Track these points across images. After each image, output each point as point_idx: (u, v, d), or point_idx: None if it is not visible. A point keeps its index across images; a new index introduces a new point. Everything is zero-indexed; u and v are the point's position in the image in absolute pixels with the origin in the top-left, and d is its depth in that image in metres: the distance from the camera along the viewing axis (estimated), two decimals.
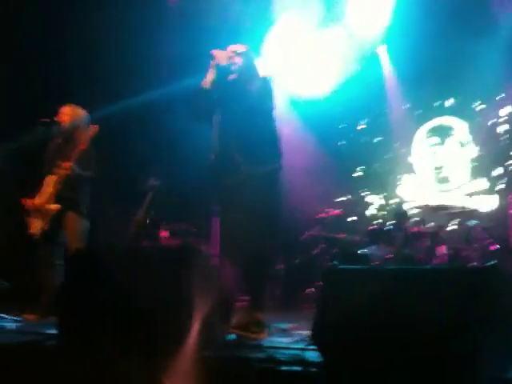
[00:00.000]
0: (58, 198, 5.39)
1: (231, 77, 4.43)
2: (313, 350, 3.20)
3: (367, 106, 9.58)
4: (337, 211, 8.15)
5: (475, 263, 6.81)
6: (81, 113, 5.66)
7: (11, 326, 4.70)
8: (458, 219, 8.10)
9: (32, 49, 7.61)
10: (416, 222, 7.83)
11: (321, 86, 8.99)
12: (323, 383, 2.99)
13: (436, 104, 9.46)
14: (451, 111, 9.39)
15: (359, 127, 9.84)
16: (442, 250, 7.12)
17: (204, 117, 4.55)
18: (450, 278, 2.99)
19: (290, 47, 8.81)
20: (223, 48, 4.54)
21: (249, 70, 4.46)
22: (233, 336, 3.95)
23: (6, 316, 4.86)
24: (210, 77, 4.44)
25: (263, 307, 4.26)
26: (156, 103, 7.89)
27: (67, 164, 5.27)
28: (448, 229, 8.06)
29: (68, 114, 5.60)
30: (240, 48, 4.53)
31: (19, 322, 4.89)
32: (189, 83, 5.15)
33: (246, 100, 4.28)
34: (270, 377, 3.09)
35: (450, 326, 2.75)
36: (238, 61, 4.46)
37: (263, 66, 4.69)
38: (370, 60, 9.29)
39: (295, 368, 3.08)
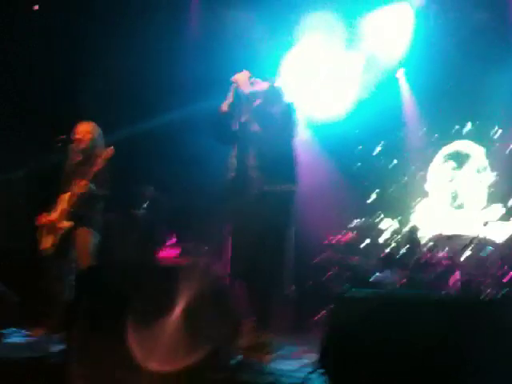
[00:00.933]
0: (71, 215, 5.41)
1: (257, 102, 4.48)
2: (319, 374, 3.16)
3: (384, 129, 9.54)
4: (350, 235, 8.08)
5: (488, 291, 6.71)
6: (98, 130, 5.70)
7: (20, 340, 4.70)
8: (472, 246, 8.01)
9: (52, 69, 7.71)
10: (429, 247, 7.76)
11: (338, 108, 9.00)
12: None
13: (454, 129, 9.41)
14: (469, 136, 9.33)
15: (376, 150, 9.80)
16: (456, 276, 7.04)
17: (226, 139, 4.59)
18: (459, 307, 2.96)
19: (308, 70, 8.85)
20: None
21: (272, 97, 4.52)
22: (239, 357, 3.92)
23: (15, 331, 4.86)
24: (229, 100, 4.49)
25: (270, 327, 4.24)
26: (173, 123, 7.94)
27: (83, 182, 5.30)
28: (462, 255, 7.98)
29: (86, 131, 5.62)
30: (263, 86, 4.60)
31: (28, 336, 4.89)
32: (207, 105, 5.20)
33: (269, 123, 4.32)
34: None
35: (459, 356, 2.71)
36: (263, 86, 4.54)
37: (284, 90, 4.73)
38: (388, 83, 9.28)
39: None
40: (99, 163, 5.31)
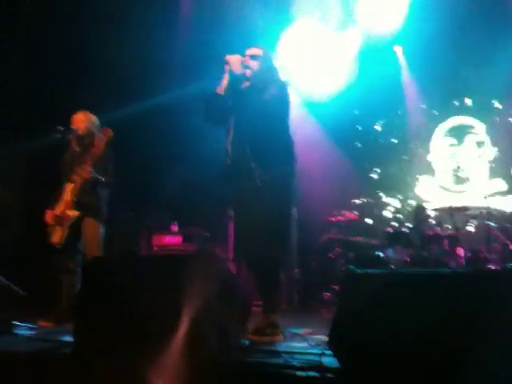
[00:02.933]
0: (76, 204, 5.38)
1: (245, 84, 4.40)
2: (329, 355, 3.15)
3: (384, 106, 9.50)
4: (353, 214, 8.08)
5: (493, 265, 6.72)
6: (93, 118, 5.66)
7: (26, 333, 4.69)
8: (476, 221, 8.00)
9: (44, 53, 7.65)
10: (433, 223, 7.76)
11: (336, 86, 8.95)
12: None
13: (453, 104, 9.38)
14: (469, 111, 9.30)
15: (376, 128, 9.75)
16: (460, 252, 7.05)
17: (218, 122, 4.53)
18: (466, 282, 2.95)
19: (305, 48, 8.79)
20: (239, 51, 4.50)
21: (264, 76, 4.40)
22: (248, 340, 3.92)
23: (22, 323, 4.85)
24: (224, 83, 4.42)
25: (277, 309, 4.25)
26: (170, 106, 7.89)
27: (85, 169, 5.26)
28: (466, 230, 7.98)
29: (82, 120, 5.58)
30: (256, 52, 4.49)
31: (34, 328, 4.88)
32: (202, 86, 5.14)
33: (260, 107, 4.25)
34: (286, 382, 3.06)
35: (467, 332, 2.71)
36: (254, 65, 4.42)
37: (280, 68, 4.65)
38: (387, 61, 9.23)
39: (311, 374, 3.04)
40: (100, 146, 5.26)
